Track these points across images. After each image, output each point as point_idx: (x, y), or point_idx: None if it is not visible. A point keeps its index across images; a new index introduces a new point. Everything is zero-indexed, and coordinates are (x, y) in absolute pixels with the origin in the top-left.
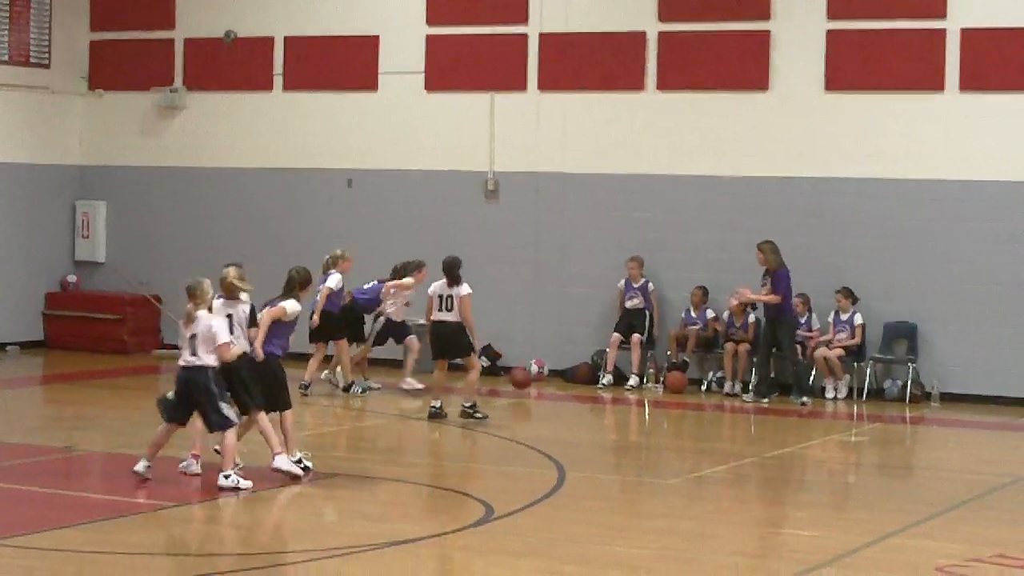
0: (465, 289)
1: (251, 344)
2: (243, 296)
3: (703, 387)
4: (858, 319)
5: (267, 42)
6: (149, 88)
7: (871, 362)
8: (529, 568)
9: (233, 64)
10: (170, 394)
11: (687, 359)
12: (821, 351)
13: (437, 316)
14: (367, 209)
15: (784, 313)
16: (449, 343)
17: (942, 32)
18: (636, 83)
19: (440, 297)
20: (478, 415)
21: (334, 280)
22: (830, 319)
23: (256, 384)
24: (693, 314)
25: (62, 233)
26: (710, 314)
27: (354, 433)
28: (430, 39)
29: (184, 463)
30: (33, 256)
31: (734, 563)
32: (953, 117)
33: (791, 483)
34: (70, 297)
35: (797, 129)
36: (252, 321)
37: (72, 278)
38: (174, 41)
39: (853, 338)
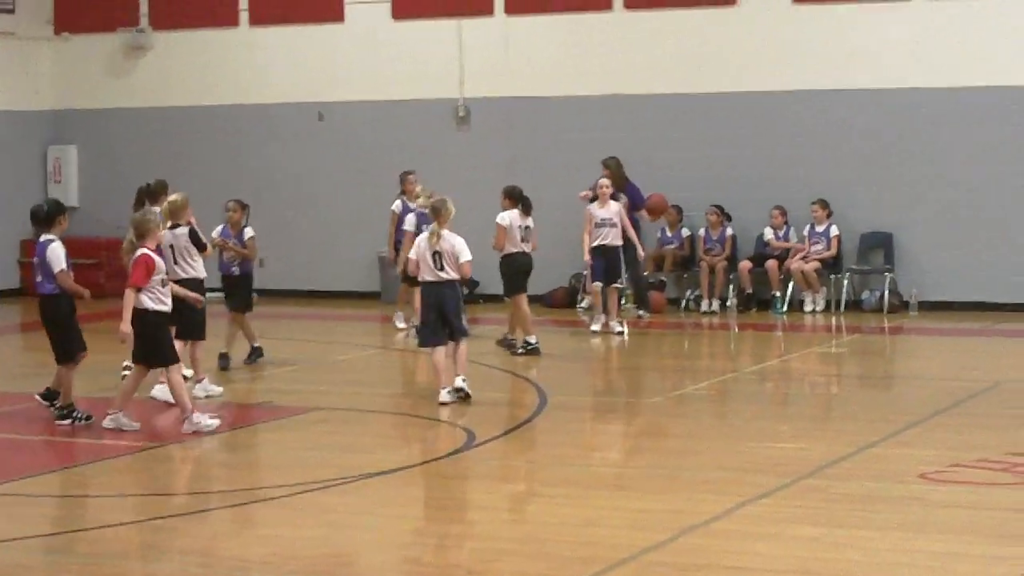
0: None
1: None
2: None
3: (682, 306)
4: (834, 231)
5: None
6: (115, 29)
7: (848, 273)
8: (513, 492)
9: (198, 1)
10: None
11: (664, 279)
12: (797, 264)
13: (520, 247)
14: (338, 141)
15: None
16: (528, 276)
17: None
18: (603, 3)
19: (521, 228)
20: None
21: None
22: (805, 232)
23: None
24: (669, 233)
25: (34, 179)
26: (685, 233)
27: (334, 367)
28: None
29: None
30: (6, 203)
31: (718, 477)
32: (923, 24)
33: (772, 397)
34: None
35: (767, 43)
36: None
37: None
38: None
39: (829, 250)
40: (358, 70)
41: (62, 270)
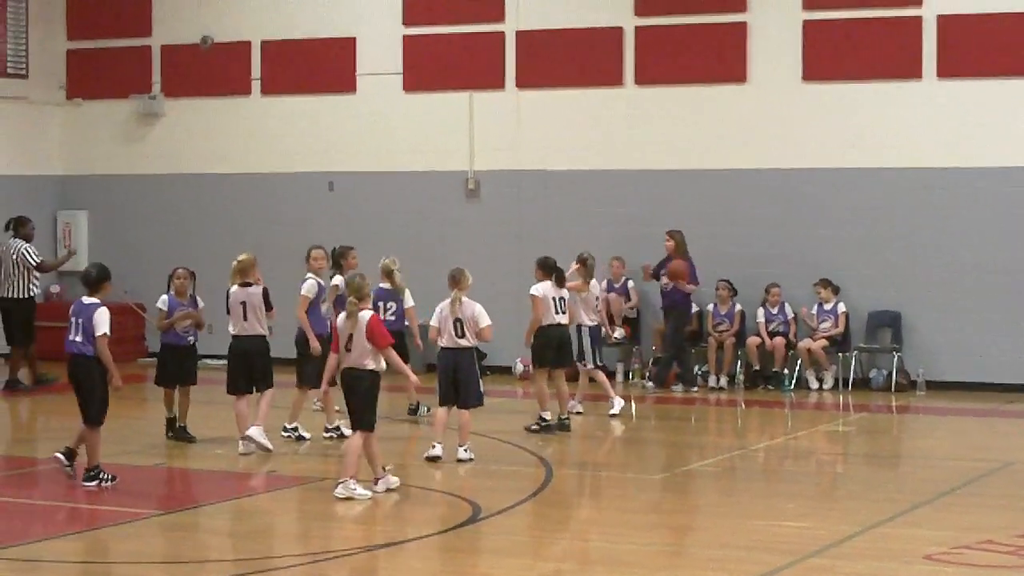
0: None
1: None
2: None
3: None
4: (841, 308)
5: (244, 46)
6: (127, 96)
7: (856, 352)
8: (517, 567)
9: (211, 69)
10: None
11: None
12: (805, 342)
13: (555, 319)
14: (348, 212)
15: (678, 302)
16: (565, 349)
17: (918, 19)
18: (614, 79)
19: (555, 299)
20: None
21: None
22: (814, 311)
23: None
24: None
25: (44, 244)
26: (694, 308)
27: (341, 437)
28: (407, 40)
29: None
30: None
31: (723, 556)
32: (931, 104)
33: (779, 475)
34: (54, 308)
35: (775, 120)
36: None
37: (55, 288)
38: (151, 48)
39: (837, 327)
40: (369, 141)
41: (104, 334)
